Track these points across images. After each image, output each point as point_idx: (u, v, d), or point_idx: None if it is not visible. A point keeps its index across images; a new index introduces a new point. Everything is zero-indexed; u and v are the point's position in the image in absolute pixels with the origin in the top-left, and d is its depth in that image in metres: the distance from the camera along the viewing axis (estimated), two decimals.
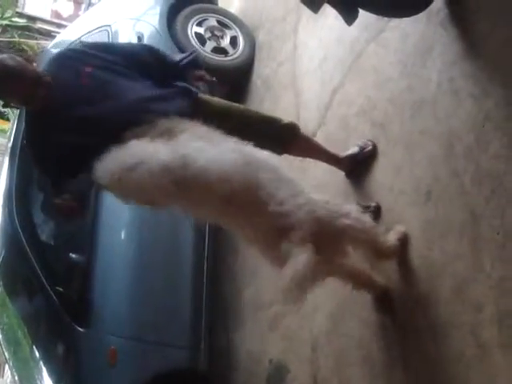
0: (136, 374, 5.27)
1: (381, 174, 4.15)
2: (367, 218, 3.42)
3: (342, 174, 4.51)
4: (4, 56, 3.72)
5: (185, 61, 4.16)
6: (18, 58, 3.75)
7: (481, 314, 3.06)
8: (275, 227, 3.13)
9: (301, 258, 2.95)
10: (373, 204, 4.05)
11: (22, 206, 5.81)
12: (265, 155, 3.36)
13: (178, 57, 4.23)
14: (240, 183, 3.14)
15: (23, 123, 4.10)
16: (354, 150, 4.34)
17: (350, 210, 3.35)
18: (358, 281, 3.66)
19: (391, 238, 3.60)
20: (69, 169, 3.78)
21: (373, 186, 4.21)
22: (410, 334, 3.57)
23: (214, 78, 4.34)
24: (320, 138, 4.93)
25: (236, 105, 4.29)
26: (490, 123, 3.25)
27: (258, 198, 3.14)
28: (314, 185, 4.37)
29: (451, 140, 3.50)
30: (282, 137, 4.17)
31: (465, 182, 3.33)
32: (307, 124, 5.20)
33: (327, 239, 3.16)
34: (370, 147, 4.25)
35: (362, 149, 4.29)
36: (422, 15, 3.89)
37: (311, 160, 4.70)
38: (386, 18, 4.30)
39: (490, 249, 3.09)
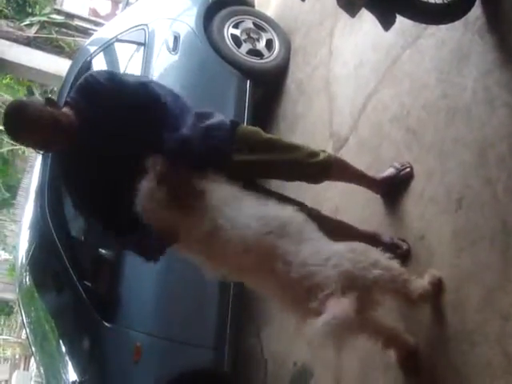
0: (159, 371, 5.28)
1: (413, 181, 4.13)
2: (396, 266, 3.35)
3: (375, 202, 4.45)
4: (23, 101, 3.64)
5: (169, 145, 3.54)
6: (37, 104, 3.56)
7: (508, 323, 3.04)
8: (301, 290, 3.10)
9: (341, 303, 2.94)
10: (404, 247, 3.99)
11: (54, 201, 5.84)
12: (288, 214, 3.34)
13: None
14: (260, 254, 3.18)
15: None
16: (390, 171, 4.25)
17: (378, 258, 3.30)
18: (388, 339, 3.58)
19: (423, 283, 3.47)
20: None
21: (405, 196, 4.20)
22: (436, 342, 3.55)
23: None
24: (352, 143, 4.94)
25: (274, 139, 4.08)
26: None
27: (276, 266, 3.14)
28: (348, 220, 4.30)
29: (484, 148, 3.49)
30: (316, 175, 4.07)
31: (497, 191, 3.31)
32: (340, 129, 5.21)
33: (356, 291, 3.07)
34: (408, 169, 4.16)
35: (399, 171, 4.21)
36: (458, 23, 3.88)
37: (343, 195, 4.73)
38: (422, 25, 4.29)
39: None
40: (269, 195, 3.63)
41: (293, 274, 3.10)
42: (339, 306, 2.90)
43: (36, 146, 3.73)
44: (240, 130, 3.91)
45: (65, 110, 3.59)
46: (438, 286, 3.51)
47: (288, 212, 3.35)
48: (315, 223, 3.43)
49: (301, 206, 3.92)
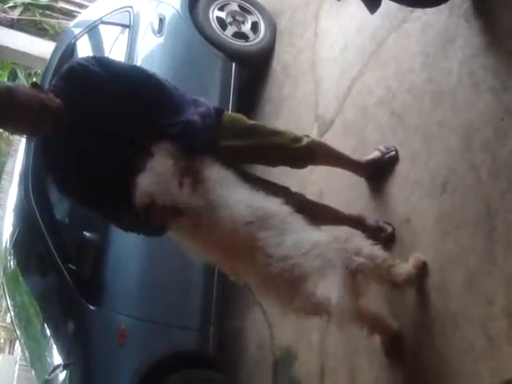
0: (145, 354, 5.30)
1: (398, 165, 4.13)
2: (380, 252, 3.36)
3: (360, 185, 4.45)
4: (9, 86, 3.52)
5: (175, 130, 3.57)
6: (24, 88, 3.51)
7: (492, 307, 3.06)
8: (283, 283, 3.13)
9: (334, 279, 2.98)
10: (389, 230, 4.00)
11: (39, 184, 5.82)
12: (275, 208, 3.34)
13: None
14: (241, 241, 3.20)
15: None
16: (375, 154, 4.26)
17: (362, 246, 3.31)
18: (373, 325, 3.60)
19: (407, 267, 3.49)
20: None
21: (390, 180, 4.20)
22: (420, 325, 3.58)
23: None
24: (338, 126, 4.94)
25: (258, 125, 4.07)
26: (509, 117, 3.23)
27: (257, 258, 3.16)
28: (333, 204, 4.30)
29: (469, 132, 3.49)
30: (300, 160, 4.07)
31: (481, 175, 3.32)
32: (325, 112, 5.21)
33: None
34: (393, 153, 4.17)
35: (383, 154, 4.21)
36: (444, 6, 3.87)
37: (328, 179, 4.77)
38: (408, 8, 4.28)
39: (504, 242, 3.08)
40: (254, 181, 3.63)
41: (273, 267, 3.11)
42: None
43: (23, 131, 3.71)
44: (225, 117, 3.90)
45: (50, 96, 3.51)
46: (422, 270, 3.53)
47: (274, 205, 3.35)
48: (300, 208, 3.44)
49: (285, 191, 3.94)
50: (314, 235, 3.26)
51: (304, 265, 3.07)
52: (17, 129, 3.65)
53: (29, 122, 3.43)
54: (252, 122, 4.06)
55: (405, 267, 3.47)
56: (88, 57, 3.86)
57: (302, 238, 3.20)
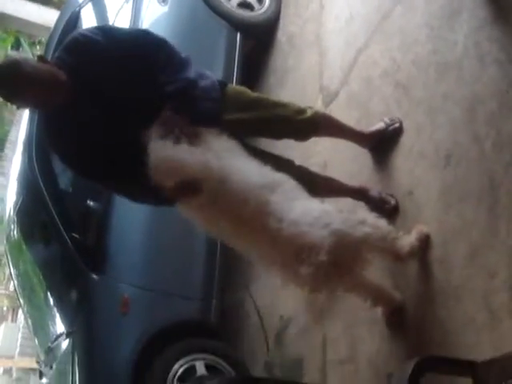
0: (147, 323, 5.33)
1: (402, 137, 4.13)
2: (384, 224, 3.39)
3: (364, 157, 4.45)
4: (17, 59, 3.50)
5: (172, 87, 3.57)
6: (31, 61, 3.53)
7: (494, 280, 3.07)
8: (292, 248, 3.14)
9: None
10: (392, 202, 4.01)
11: (42, 153, 5.82)
12: (281, 177, 3.35)
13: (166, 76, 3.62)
14: (253, 206, 3.19)
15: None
16: (380, 125, 4.24)
17: (366, 217, 3.34)
18: (376, 297, 3.63)
19: (411, 239, 3.51)
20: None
21: (393, 152, 4.20)
22: (422, 297, 3.59)
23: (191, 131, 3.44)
24: (342, 98, 4.93)
25: (261, 97, 4.07)
26: None
27: (268, 222, 3.16)
28: (337, 175, 4.33)
29: (474, 105, 3.48)
30: (304, 131, 4.07)
31: (485, 148, 3.32)
32: (330, 83, 5.19)
33: (346, 250, 3.16)
34: (397, 124, 4.16)
35: (388, 125, 4.20)
36: None
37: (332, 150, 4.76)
38: None
39: (507, 216, 3.09)
40: (259, 154, 3.62)
41: (284, 231, 3.13)
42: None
43: (31, 104, 3.69)
44: (228, 90, 3.89)
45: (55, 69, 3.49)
46: (425, 242, 3.54)
47: (281, 174, 3.36)
48: (303, 181, 3.45)
49: (290, 164, 3.94)
50: (321, 205, 3.32)
51: (313, 233, 3.09)
52: (24, 102, 3.63)
53: (37, 94, 3.41)
54: (255, 94, 4.06)
55: (408, 239, 3.49)
56: (91, 27, 3.85)
57: (311, 206, 3.24)
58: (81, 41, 3.59)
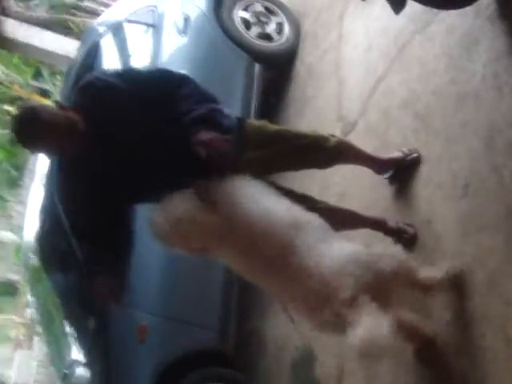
0: (164, 351, 5.33)
1: (420, 167, 4.13)
2: (408, 257, 3.38)
3: (382, 187, 4.44)
4: (34, 106, 3.56)
5: (195, 114, 3.51)
6: (49, 108, 3.59)
7: (510, 308, 3.06)
8: (317, 293, 3.06)
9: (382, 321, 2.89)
10: (411, 231, 3.98)
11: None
12: (309, 217, 3.32)
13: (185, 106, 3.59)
14: (278, 245, 3.16)
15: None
16: (397, 154, 4.21)
17: (395, 253, 3.32)
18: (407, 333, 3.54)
19: (435, 273, 3.42)
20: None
21: (412, 182, 4.19)
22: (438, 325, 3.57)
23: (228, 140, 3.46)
24: (361, 128, 4.95)
25: (282, 130, 4.04)
26: None
27: (291, 265, 3.12)
28: (355, 204, 4.35)
29: (492, 134, 3.49)
30: (327, 160, 4.07)
31: (504, 177, 3.32)
32: (349, 113, 5.21)
33: (379, 289, 3.07)
34: (416, 155, 4.13)
35: (406, 155, 4.16)
36: (469, 9, 3.86)
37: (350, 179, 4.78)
38: (433, 10, 4.27)
39: None
40: (278, 190, 3.58)
41: (315, 273, 3.05)
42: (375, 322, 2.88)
43: (50, 150, 3.65)
44: (247, 126, 3.87)
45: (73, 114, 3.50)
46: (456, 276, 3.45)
47: (308, 215, 3.33)
48: (323, 215, 3.43)
49: (309, 199, 3.93)
50: (347, 245, 3.25)
51: (339, 281, 3.02)
52: (42, 149, 3.65)
53: (54, 141, 3.42)
54: (275, 127, 4.04)
55: (434, 271, 3.45)
56: (104, 70, 3.85)
57: (342, 246, 3.21)
58: (95, 84, 3.61)
